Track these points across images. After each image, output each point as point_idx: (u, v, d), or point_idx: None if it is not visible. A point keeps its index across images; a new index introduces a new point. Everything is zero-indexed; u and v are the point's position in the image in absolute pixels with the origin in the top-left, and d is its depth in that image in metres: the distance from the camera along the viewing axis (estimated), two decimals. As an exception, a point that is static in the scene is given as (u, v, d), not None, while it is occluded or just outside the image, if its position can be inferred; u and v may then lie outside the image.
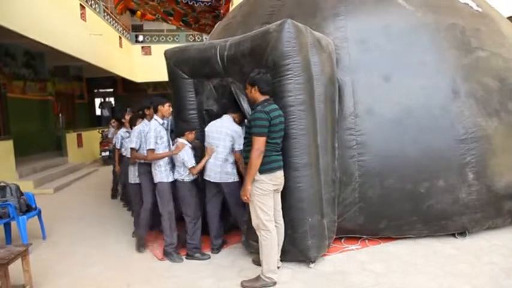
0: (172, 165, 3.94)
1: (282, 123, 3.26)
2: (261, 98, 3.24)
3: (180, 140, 3.91)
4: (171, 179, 3.89)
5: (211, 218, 3.99)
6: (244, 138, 3.33)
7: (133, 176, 4.37)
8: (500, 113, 4.14)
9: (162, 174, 3.86)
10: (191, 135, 3.97)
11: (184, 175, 3.86)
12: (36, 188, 7.54)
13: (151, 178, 3.98)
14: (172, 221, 3.92)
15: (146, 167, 4.06)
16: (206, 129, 3.98)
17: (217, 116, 4.06)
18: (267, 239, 3.19)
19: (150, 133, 3.83)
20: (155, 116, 3.95)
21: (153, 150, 3.82)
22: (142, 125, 4.20)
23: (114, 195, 6.88)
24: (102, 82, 17.11)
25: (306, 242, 3.46)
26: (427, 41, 4.21)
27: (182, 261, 3.85)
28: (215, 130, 3.89)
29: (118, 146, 5.62)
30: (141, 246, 4.20)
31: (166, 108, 3.97)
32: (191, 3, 9.14)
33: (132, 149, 4.16)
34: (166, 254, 3.91)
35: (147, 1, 9.37)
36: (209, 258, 3.88)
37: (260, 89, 3.22)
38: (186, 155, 3.82)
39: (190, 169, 3.82)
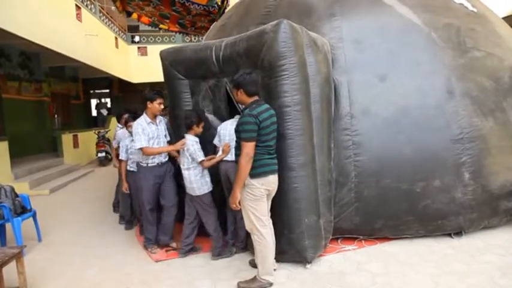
0: None
1: (274, 124, 3.17)
2: (248, 100, 3.15)
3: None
4: None
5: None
6: (235, 142, 3.25)
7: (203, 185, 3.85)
8: (495, 112, 4.16)
9: None
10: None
11: None
12: (31, 189, 7.50)
13: None
14: None
15: None
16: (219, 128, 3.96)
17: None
18: (261, 244, 3.15)
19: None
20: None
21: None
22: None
23: (116, 210, 5.83)
24: (98, 83, 17.06)
25: (302, 242, 3.46)
26: (422, 41, 4.22)
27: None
28: (228, 132, 3.79)
29: (124, 156, 4.66)
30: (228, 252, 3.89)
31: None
32: (187, 4, 9.16)
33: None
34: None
35: (143, 6, 9.39)
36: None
37: (246, 92, 3.14)
38: None
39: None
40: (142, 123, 3.96)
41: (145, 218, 4.13)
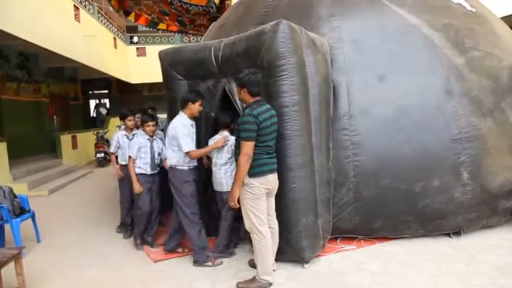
0: None
1: (274, 124, 3.20)
2: (250, 99, 3.19)
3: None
4: None
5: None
6: (235, 140, 3.28)
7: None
8: (494, 112, 4.16)
9: None
10: None
11: None
12: (30, 190, 7.48)
13: None
14: None
15: None
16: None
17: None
18: (260, 243, 3.15)
19: None
20: None
21: None
22: None
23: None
24: (96, 83, 17.03)
25: (300, 242, 3.46)
26: (421, 41, 4.23)
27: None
28: None
29: (134, 155, 4.25)
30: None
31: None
32: (185, 6, 9.15)
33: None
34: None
35: (143, 0, 9.35)
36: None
37: (249, 92, 3.17)
38: None
39: None
40: (186, 124, 3.75)
41: (192, 225, 3.78)
